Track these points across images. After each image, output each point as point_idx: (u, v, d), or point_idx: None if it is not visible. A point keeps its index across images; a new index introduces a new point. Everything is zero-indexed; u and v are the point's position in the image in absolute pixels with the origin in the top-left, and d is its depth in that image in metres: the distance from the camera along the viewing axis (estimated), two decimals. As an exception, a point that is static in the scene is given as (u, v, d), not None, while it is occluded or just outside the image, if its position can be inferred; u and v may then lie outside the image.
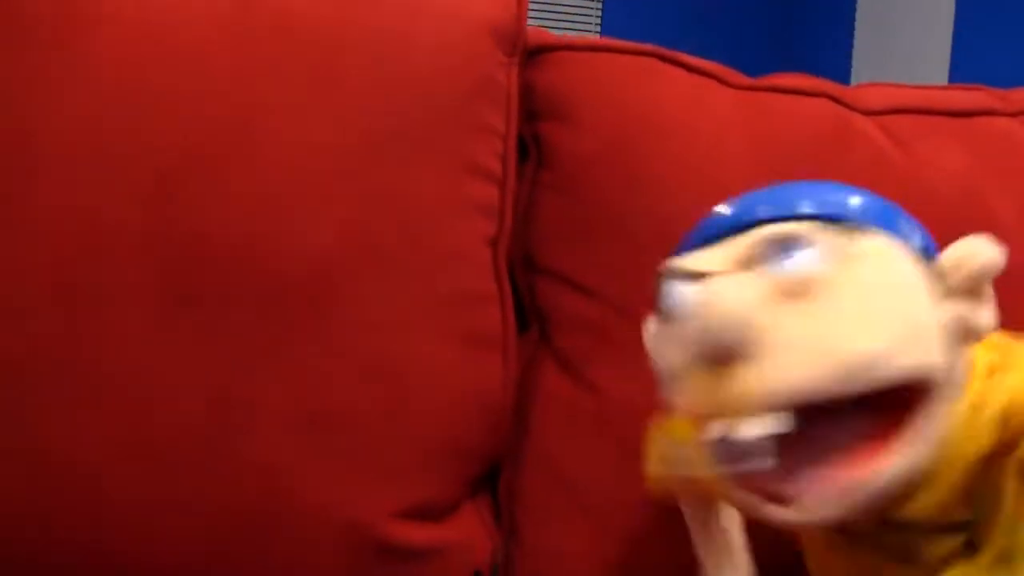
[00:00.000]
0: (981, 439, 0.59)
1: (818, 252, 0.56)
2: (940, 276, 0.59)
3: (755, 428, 0.54)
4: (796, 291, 0.56)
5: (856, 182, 0.90)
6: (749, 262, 0.58)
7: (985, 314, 0.59)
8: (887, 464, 0.56)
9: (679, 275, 0.60)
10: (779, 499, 0.58)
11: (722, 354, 0.56)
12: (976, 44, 3.86)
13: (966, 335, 0.59)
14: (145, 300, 0.80)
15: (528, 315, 0.95)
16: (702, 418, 0.58)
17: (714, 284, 0.57)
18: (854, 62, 4.89)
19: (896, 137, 0.96)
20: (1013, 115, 1.01)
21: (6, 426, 0.79)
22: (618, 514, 0.87)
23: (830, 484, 0.56)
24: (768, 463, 0.54)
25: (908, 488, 0.59)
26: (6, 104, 0.82)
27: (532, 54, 0.95)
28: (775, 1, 5.71)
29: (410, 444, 0.84)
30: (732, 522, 0.76)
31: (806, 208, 0.60)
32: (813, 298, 0.56)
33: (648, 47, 0.95)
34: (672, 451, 0.64)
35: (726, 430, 0.55)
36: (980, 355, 0.63)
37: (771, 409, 0.54)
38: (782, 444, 0.55)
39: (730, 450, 0.55)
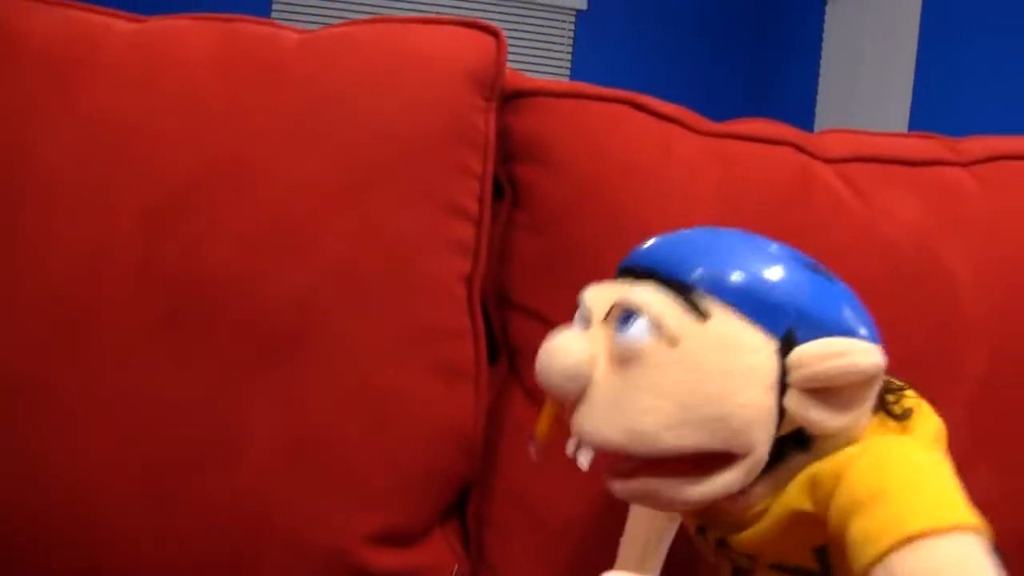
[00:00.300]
0: (796, 498, 0.64)
1: (649, 328, 0.63)
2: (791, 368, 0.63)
3: (574, 451, 0.66)
4: (623, 357, 0.64)
5: (816, 229, 0.95)
6: (607, 318, 0.67)
7: (816, 412, 0.62)
8: (681, 492, 0.65)
9: (580, 308, 0.71)
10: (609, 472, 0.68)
11: (556, 396, 0.66)
12: (936, 89, 3.94)
13: (808, 426, 0.63)
14: (136, 327, 0.83)
15: (499, 347, 0.99)
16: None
17: (564, 337, 0.66)
18: (819, 102, 4.95)
19: (854, 185, 0.99)
20: (964, 165, 1.04)
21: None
22: (584, 541, 0.90)
23: (638, 484, 0.66)
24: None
25: (739, 519, 0.67)
26: (4, 134, 0.84)
27: (509, 98, 0.98)
28: (743, 43, 5.77)
29: (387, 471, 0.87)
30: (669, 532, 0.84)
31: (685, 274, 0.66)
32: (633, 367, 0.64)
33: (620, 93, 0.99)
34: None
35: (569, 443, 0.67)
36: (871, 435, 0.66)
37: (589, 446, 0.65)
38: None
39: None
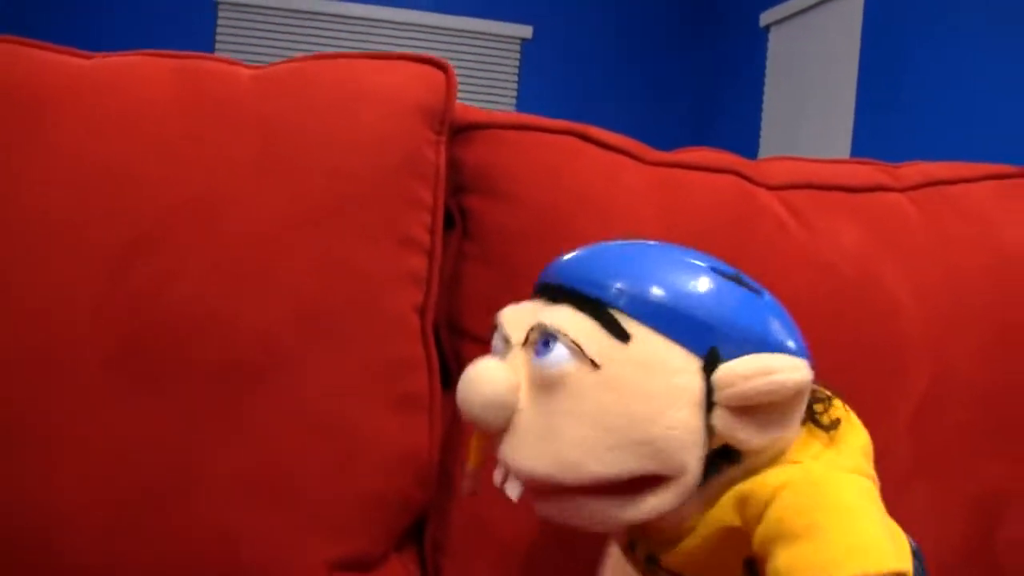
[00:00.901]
0: (726, 513, 0.64)
1: (570, 353, 0.62)
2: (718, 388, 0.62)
3: (502, 484, 0.67)
4: (545, 383, 0.64)
5: (759, 254, 0.97)
6: (526, 342, 0.66)
7: (744, 431, 0.61)
8: (609, 513, 0.64)
9: (497, 330, 0.70)
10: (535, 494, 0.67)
11: (480, 426, 0.66)
12: (877, 108, 4.02)
13: (736, 444, 0.62)
14: (102, 366, 0.83)
15: (452, 375, 0.99)
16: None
17: (484, 365, 0.65)
18: (764, 120, 5.03)
19: (796, 212, 1.02)
20: (901, 191, 1.07)
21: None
22: (543, 565, 0.91)
23: (566, 505, 0.65)
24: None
25: (670, 534, 0.67)
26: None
27: (459, 131, 1.00)
28: (688, 69, 5.85)
29: (347, 500, 0.88)
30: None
31: (602, 293, 0.64)
32: (556, 392, 0.63)
33: (568, 125, 1.01)
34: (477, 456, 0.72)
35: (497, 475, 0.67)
36: (800, 448, 0.66)
37: (518, 477, 0.65)
38: None
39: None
